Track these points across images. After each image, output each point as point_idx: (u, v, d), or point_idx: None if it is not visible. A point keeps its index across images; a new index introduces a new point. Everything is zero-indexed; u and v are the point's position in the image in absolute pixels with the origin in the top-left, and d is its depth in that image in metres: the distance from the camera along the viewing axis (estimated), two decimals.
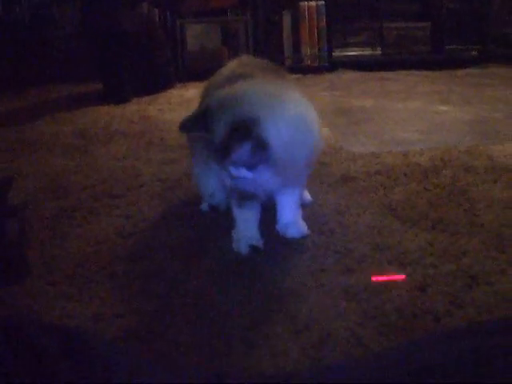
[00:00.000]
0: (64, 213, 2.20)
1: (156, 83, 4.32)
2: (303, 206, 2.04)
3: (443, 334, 1.32)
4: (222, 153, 1.65)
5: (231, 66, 1.99)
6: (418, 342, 1.30)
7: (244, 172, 1.66)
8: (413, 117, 3.38)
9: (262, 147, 1.63)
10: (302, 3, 5.02)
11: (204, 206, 2.15)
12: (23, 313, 1.55)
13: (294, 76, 4.77)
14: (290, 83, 1.97)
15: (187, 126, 1.77)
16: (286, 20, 5.03)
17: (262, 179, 1.72)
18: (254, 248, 1.83)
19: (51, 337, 1.04)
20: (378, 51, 5.22)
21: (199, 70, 4.79)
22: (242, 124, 1.62)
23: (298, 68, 5.00)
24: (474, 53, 5.22)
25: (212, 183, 2.09)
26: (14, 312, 1.54)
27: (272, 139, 1.63)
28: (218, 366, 1.32)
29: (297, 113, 1.72)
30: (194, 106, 3.63)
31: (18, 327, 1.07)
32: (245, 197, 1.83)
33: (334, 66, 5.06)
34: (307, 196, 2.16)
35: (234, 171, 1.67)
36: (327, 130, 2.97)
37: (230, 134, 1.62)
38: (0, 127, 3.54)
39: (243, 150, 1.62)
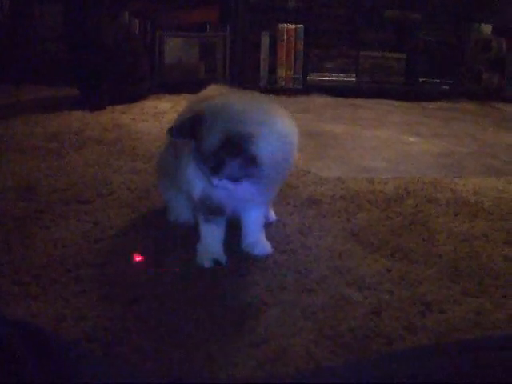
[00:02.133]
0: (32, 214, 2.22)
1: (132, 93, 4.34)
2: (267, 224, 2.10)
3: (395, 354, 1.37)
4: (211, 163, 1.67)
5: (207, 91, 2.04)
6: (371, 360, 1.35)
7: (226, 183, 1.70)
8: (381, 145, 3.44)
9: (252, 163, 1.67)
10: (281, 25, 5.08)
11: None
12: None
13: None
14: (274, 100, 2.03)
15: (175, 131, 1.78)
16: (265, 40, 5.09)
17: (241, 191, 1.76)
18: (216, 262, 1.87)
19: (16, 333, 1.06)
20: (353, 78, 5.30)
21: (175, 82, 4.84)
22: (236, 139, 1.65)
23: (273, 89, 5.05)
24: (446, 87, 5.32)
25: (178, 202, 2.13)
26: None
27: (263, 156, 1.67)
28: (176, 374, 1.35)
29: (285, 129, 1.78)
30: (167, 118, 3.72)
31: None
32: (212, 212, 1.87)
33: (308, 89, 5.12)
34: (272, 215, 2.21)
35: (216, 181, 1.70)
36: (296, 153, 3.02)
37: (222, 146, 1.65)
38: None
39: (234, 164, 1.66)
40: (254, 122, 1.69)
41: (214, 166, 1.67)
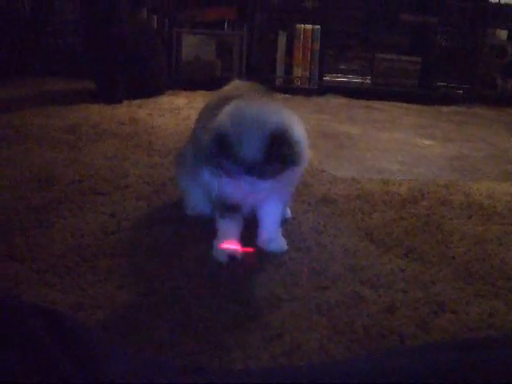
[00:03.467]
0: (50, 204, 2.24)
1: (148, 88, 4.37)
2: (283, 221, 2.11)
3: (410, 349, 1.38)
4: (256, 171, 1.65)
5: (224, 89, 2.06)
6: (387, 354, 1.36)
7: (257, 181, 1.69)
8: (395, 147, 3.46)
9: (292, 161, 1.68)
10: (298, 25, 5.10)
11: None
12: (7, 294, 1.59)
13: (283, 96, 4.85)
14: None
15: (208, 161, 1.74)
16: (282, 40, 5.11)
17: (263, 190, 1.77)
18: (232, 257, 1.89)
19: (39, 318, 1.08)
20: (368, 80, 5.32)
21: (191, 79, 4.87)
22: (281, 140, 1.64)
23: (288, 89, 5.08)
24: (460, 91, 5.32)
25: (195, 195, 2.15)
26: None
27: (301, 153, 1.70)
28: (190, 364, 1.37)
29: (301, 125, 1.79)
30: (183, 114, 3.73)
31: (5, 307, 1.10)
32: (228, 209, 1.89)
33: (323, 90, 5.14)
34: (288, 212, 2.23)
35: (249, 181, 1.69)
36: (311, 152, 3.03)
37: (267, 150, 1.63)
38: None
39: (277, 165, 1.67)
40: (288, 121, 1.70)
41: (261, 171, 1.66)
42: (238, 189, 1.77)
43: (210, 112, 1.94)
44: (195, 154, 2.01)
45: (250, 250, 1.92)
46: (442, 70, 5.33)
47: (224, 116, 1.70)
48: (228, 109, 1.73)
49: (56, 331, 1.06)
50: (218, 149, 1.66)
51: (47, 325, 1.06)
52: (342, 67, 5.32)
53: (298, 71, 5.15)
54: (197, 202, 2.15)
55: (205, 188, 2.00)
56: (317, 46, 5.13)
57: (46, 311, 1.14)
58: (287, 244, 2.00)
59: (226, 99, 1.88)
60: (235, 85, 2.07)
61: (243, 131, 1.63)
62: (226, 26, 5.15)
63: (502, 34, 5.42)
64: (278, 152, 1.64)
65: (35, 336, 1.03)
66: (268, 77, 5.09)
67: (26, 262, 1.80)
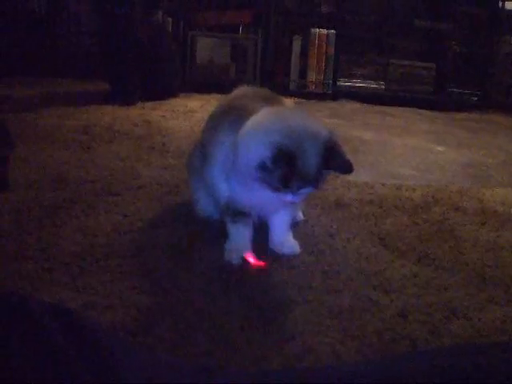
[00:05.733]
0: (63, 203, 2.25)
1: (162, 90, 4.38)
2: (295, 223, 2.11)
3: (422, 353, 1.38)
4: (313, 181, 1.67)
5: (232, 96, 2.04)
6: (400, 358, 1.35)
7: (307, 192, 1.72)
8: (409, 153, 3.45)
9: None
10: (313, 30, 5.10)
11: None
12: (22, 292, 1.59)
13: (298, 100, 4.85)
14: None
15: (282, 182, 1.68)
16: (296, 44, 5.11)
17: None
18: (244, 260, 1.88)
19: (53, 318, 1.07)
20: (382, 86, 5.31)
21: (205, 82, 4.88)
22: (332, 150, 1.67)
23: (303, 93, 5.08)
24: (474, 98, 5.31)
25: (204, 198, 2.12)
26: (12, 291, 1.58)
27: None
28: (202, 365, 1.37)
29: None
30: (196, 117, 3.74)
31: (19, 304, 1.10)
32: (237, 214, 1.88)
33: (337, 94, 5.14)
34: (300, 214, 2.22)
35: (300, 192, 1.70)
36: None
37: (323, 161, 1.66)
38: (6, 113, 3.57)
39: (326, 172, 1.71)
40: (329, 129, 1.74)
41: (318, 182, 1.69)
42: (266, 198, 1.78)
43: (218, 119, 1.94)
44: (234, 167, 1.89)
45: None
46: (456, 77, 5.32)
47: (270, 128, 1.68)
48: (270, 119, 1.73)
49: (70, 331, 1.06)
50: (282, 164, 1.63)
51: (61, 325, 1.06)
52: (357, 72, 5.31)
53: (312, 75, 5.15)
54: (205, 205, 2.13)
55: (212, 192, 1.98)
56: (331, 51, 5.13)
57: (61, 311, 1.14)
58: (300, 247, 2.00)
59: (235, 107, 1.88)
60: (243, 91, 2.06)
61: (303, 145, 1.63)
62: (240, 30, 5.16)
63: None
64: (334, 162, 1.67)
65: (49, 336, 1.02)
66: (282, 81, 5.09)
67: (38, 261, 1.80)
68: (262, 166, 1.63)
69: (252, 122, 1.73)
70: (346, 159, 1.69)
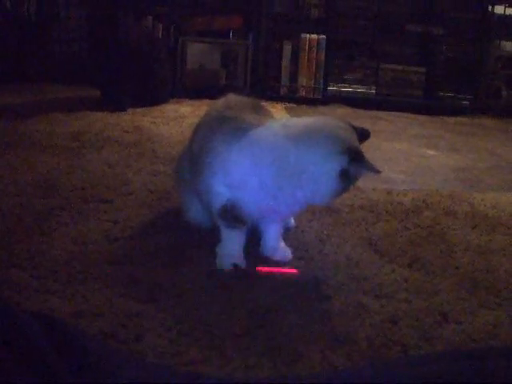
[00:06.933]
0: (52, 210, 2.23)
1: (153, 96, 4.37)
2: (286, 229, 2.10)
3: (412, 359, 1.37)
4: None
5: (217, 106, 2.02)
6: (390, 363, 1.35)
7: None
8: (400, 158, 3.45)
9: None
10: (303, 35, 5.11)
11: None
12: (8, 302, 1.57)
13: (289, 105, 4.86)
14: None
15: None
16: (287, 50, 5.11)
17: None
18: (236, 266, 1.88)
19: (40, 326, 1.07)
20: (373, 90, 5.32)
21: (196, 88, 4.87)
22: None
23: (293, 98, 5.08)
24: (465, 102, 5.32)
25: (193, 205, 2.12)
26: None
27: None
28: (192, 372, 1.36)
29: None
30: (187, 122, 3.73)
31: (5, 315, 1.09)
32: (233, 221, 1.87)
33: (327, 99, 5.15)
34: (292, 221, 2.22)
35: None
36: None
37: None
38: None
39: None
40: None
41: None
42: (282, 207, 1.84)
43: (212, 129, 1.92)
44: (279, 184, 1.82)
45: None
46: (446, 81, 5.33)
47: (339, 135, 1.80)
48: (326, 127, 1.81)
49: (56, 339, 1.05)
50: (341, 181, 1.74)
51: (48, 333, 1.06)
52: (347, 77, 5.32)
53: (302, 80, 5.16)
54: (195, 213, 2.11)
55: (205, 198, 1.96)
56: (322, 56, 5.14)
57: (47, 319, 1.13)
58: (291, 253, 1.99)
59: (224, 117, 1.88)
60: (230, 100, 2.04)
61: (355, 161, 1.75)
62: (231, 35, 5.15)
63: (507, 45, 5.42)
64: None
65: (35, 344, 1.02)
66: (273, 86, 5.09)
67: (27, 269, 1.78)
68: (345, 174, 1.73)
69: (308, 130, 1.79)
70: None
